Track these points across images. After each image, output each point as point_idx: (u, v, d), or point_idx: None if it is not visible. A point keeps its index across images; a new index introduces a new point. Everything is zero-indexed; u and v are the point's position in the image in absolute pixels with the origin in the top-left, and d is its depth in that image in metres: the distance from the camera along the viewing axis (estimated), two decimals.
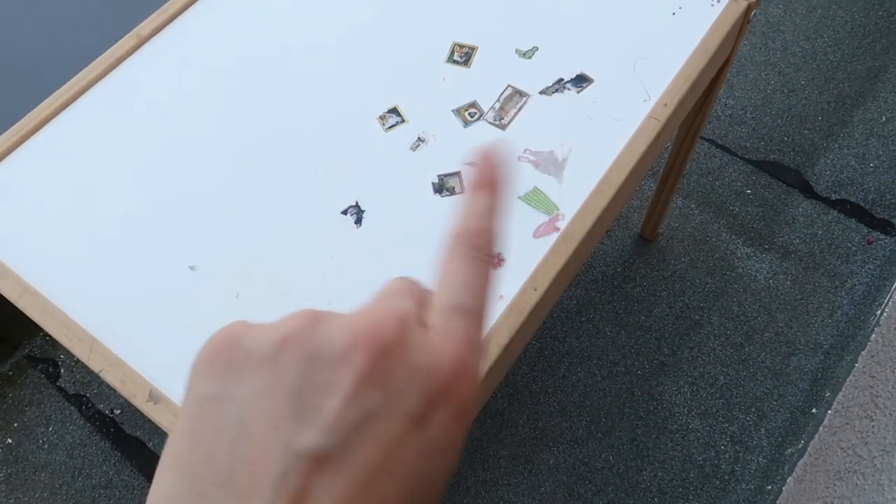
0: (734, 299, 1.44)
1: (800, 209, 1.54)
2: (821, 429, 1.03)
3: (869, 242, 1.47)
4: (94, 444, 1.34)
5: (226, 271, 0.78)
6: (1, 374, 1.41)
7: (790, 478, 1.03)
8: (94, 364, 0.73)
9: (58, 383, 1.40)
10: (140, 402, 0.70)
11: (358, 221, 0.81)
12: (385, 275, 0.76)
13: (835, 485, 0.82)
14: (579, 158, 0.83)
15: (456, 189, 0.82)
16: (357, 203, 0.82)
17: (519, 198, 0.81)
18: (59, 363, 1.43)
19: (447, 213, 0.81)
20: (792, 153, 1.61)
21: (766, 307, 1.42)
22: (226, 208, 0.82)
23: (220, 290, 0.77)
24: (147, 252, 0.80)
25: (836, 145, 1.61)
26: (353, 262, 0.78)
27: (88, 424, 1.36)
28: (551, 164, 0.83)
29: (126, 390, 0.71)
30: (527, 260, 0.77)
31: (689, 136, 1.24)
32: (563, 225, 0.78)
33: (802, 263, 1.47)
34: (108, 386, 1.40)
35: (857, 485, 0.75)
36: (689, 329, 1.41)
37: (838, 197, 1.54)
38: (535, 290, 0.74)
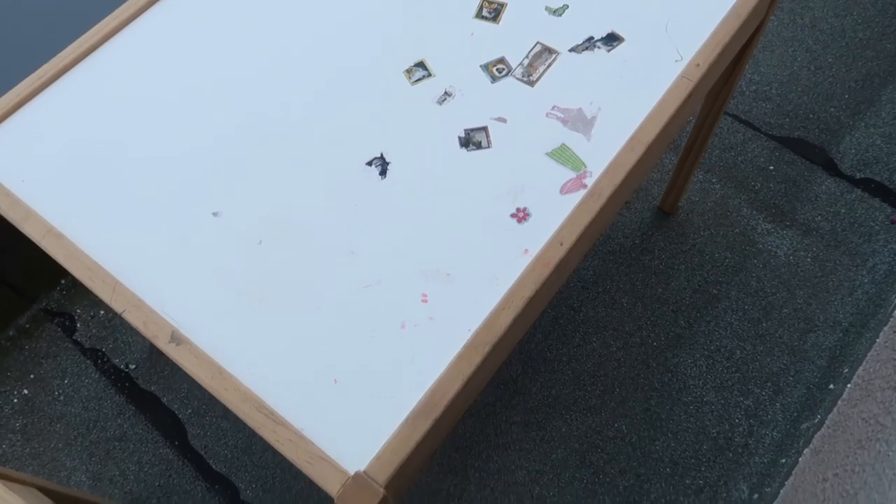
0: (753, 275, 1.42)
1: (823, 187, 1.52)
2: (840, 402, 1.03)
3: (892, 222, 1.45)
4: (109, 398, 1.34)
5: (249, 219, 0.78)
6: (18, 327, 1.42)
7: (807, 449, 1.02)
8: (116, 304, 0.73)
9: (74, 337, 1.41)
10: (162, 343, 0.70)
11: (383, 173, 0.80)
12: (408, 227, 0.75)
13: (855, 453, 0.82)
14: (608, 116, 0.82)
15: (482, 143, 0.81)
16: (382, 155, 0.81)
17: (546, 154, 0.80)
18: (76, 317, 1.43)
19: (473, 167, 0.80)
20: (817, 130, 1.59)
21: (786, 284, 1.41)
22: (251, 156, 0.82)
23: (243, 237, 0.77)
24: (171, 198, 0.80)
25: (863, 124, 1.58)
26: (376, 213, 0.77)
27: (104, 378, 1.37)
28: (580, 122, 0.82)
29: (148, 331, 0.71)
30: (553, 215, 0.76)
31: (713, 110, 1.22)
32: (590, 182, 0.77)
33: (824, 241, 1.45)
34: (123, 341, 1.41)
35: (879, 451, 0.75)
36: (707, 303, 1.40)
37: (862, 176, 1.52)
38: (562, 244, 0.73)
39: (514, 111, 0.83)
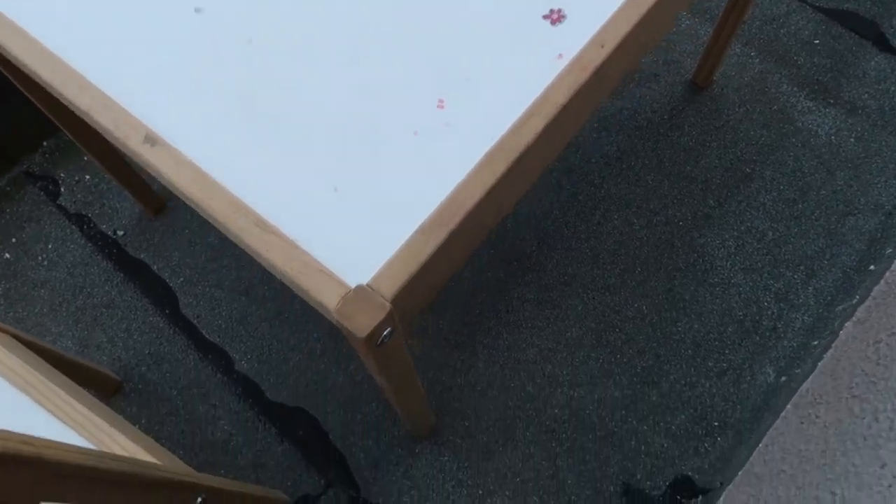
0: (791, 154, 1.31)
1: (872, 63, 1.38)
2: (888, 274, 0.93)
3: None
4: (96, 265, 1.26)
5: (237, 14, 0.67)
6: None
7: (848, 323, 0.94)
8: (81, 102, 0.63)
9: (58, 202, 1.32)
10: (134, 145, 0.60)
11: None
12: (421, 25, 0.63)
13: None
14: None
15: None
16: None
17: None
18: (60, 182, 1.34)
19: None
20: (868, 3, 1.44)
21: (825, 164, 1.30)
22: None
23: (230, 36, 0.66)
24: None
25: None
26: (384, 8, 0.66)
27: (90, 244, 1.28)
28: None
29: (119, 132, 0.61)
30: (593, 17, 0.64)
31: None
32: None
33: (870, 121, 1.33)
34: (111, 207, 1.31)
35: None
36: (739, 182, 1.29)
37: None
38: (602, 47, 0.62)
39: None
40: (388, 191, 0.58)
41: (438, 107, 0.62)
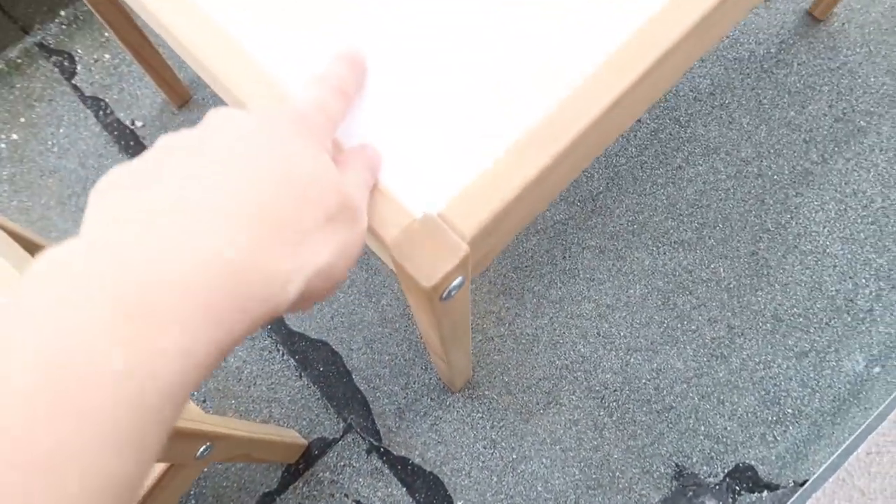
0: None
1: None
2: None
3: None
4: (112, 157, 1.13)
5: None
6: (8, 61, 1.18)
7: None
8: None
9: (73, 81, 1.18)
10: None
11: None
12: None
13: None
14: None
15: None
16: None
17: None
18: (76, 58, 1.19)
19: None
20: None
21: None
22: None
23: None
24: None
25: None
26: None
27: (105, 133, 1.14)
28: None
29: None
30: None
31: None
32: None
33: None
34: (130, 93, 1.17)
35: None
36: (850, 136, 1.11)
37: None
38: None
39: None
40: (477, 85, 0.43)
41: None
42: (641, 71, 0.42)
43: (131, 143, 1.13)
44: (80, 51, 1.20)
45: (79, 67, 1.18)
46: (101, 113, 1.15)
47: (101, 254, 0.23)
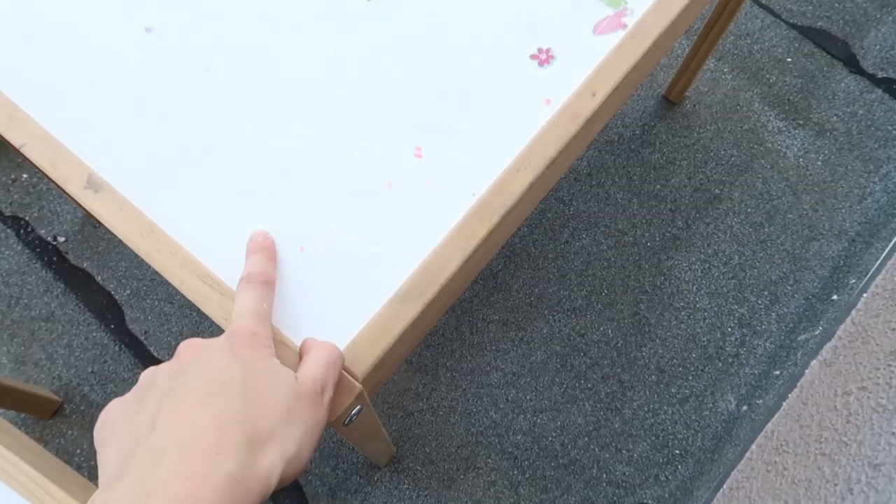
0: (759, 175, 1.30)
1: (842, 84, 1.38)
2: (854, 312, 0.93)
3: None
4: (34, 273, 1.18)
5: (193, 37, 0.60)
6: None
7: (814, 361, 0.93)
8: (12, 136, 0.56)
9: None
10: (75, 189, 0.54)
11: None
12: (399, 63, 0.58)
13: (889, 365, 0.72)
14: None
15: None
16: None
17: None
18: None
19: None
20: (841, 22, 1.43)
21: (793, 187, 1.30)
22: None
23: (185, 63, 0.59)
24: (89, 7, 0.61)
25: (890, 18, 1.43)
26: (358, 42, 0.60)
27: (27, 251, 1.19)
28: None
29: (57, 172, 0.55)
30: (584, 60, 0.60)
31: None
32: (631, 21, 0.61)
33: (837, 144, 1.33)
34: (51, 210, 1.22)
35: None
36: (708, 203, 1.28)
37: (885, 75, 1.39)
38: (594, 95, 0.58)
39: None
40: (360, 253, 0.53)
41: (416, 155, 0.57)
42: (486, 231, 0.53)
43: (54, 259, 1.19)
44: None
45: None
46: (22, 232, 1.20)
47: (132, 493, 0.32)
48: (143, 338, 1.14)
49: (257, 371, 0.40)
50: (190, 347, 0.41)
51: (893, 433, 0.64)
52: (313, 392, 0.42)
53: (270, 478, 0.36)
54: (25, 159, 1.17)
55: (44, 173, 0.57)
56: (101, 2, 0.61)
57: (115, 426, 0.36)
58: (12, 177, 1.24)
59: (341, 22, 0.61)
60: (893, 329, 0.80)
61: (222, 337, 0.42)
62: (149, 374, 0.40)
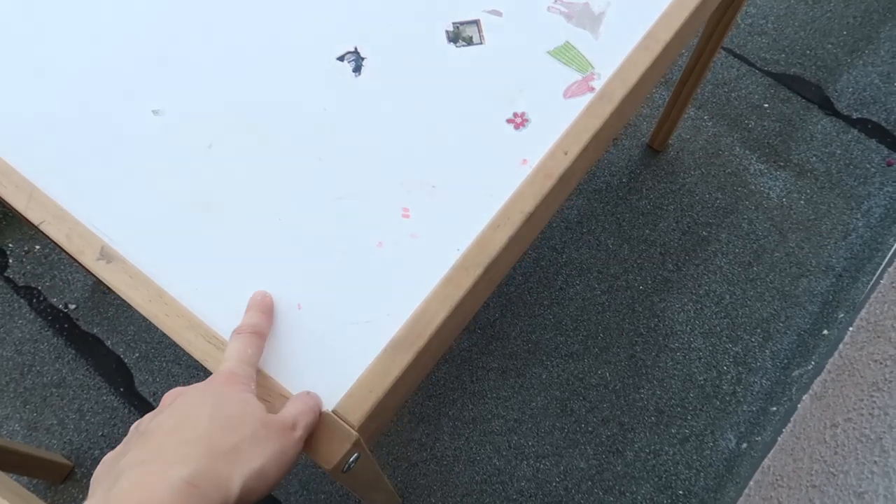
0: (744, 217, 1.35)
1: (818, 126, 1.44)
2: (841, 346, 0.96)
3: (889, 164, 1.39)
4: (46, 341, 1.22)
5: (197, 117, 0.66)
6: None
7: (805, 396, 0.96)
8: (33, 215, 0.61)
9: (5, 273, 1.27)
10: (89, 261, 0.58)
11: (357, 70, 0.68)
12: (386, 131, 0.63)
13: (871, 396, 0.75)
14: (619, 12, 0.71)
15: (474, 39, 0.70)
16: (356, 49, 0.69)
17: (548, 53, 0.69)
18: (8, 252, 1.29)
19: (462, 65, 0.68)
20: (813, 68, 1.50)
21: (778, 226, 1.34)
22: (200, 42, 0.69)
23: (190, 139, 0.65)
24: (101, 91, 0.67)
25: (861, 62, 1.50)
26: (348, 115, 0.66)
27: (40, 319, 1.23)
28: (586, 18, 0.71)
29: (72, 246, 0.59)
30: (556, 122, 0.65)
31: (711, 42, 1.12)
32: (598, 84, 0.67)
33: (818, 183, 1.38)
34: (62, 279, 1.27)
35: None
36: (696, 245, 1.32)
37: (859, 116, 1.44)
38: (566, 153, 0.63)
39: (510, 3, 0.72)
40: (353, 308, 0.57)
41: (403, 216, 0.61)
42: (470, 283, 0.57)
43: (65, 326, 1.23)
44: (10, 245, 1.30)
45: (10, 260, 1.28)
46: (34, 301, 1.25)
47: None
48: (152, 399, 1.17)
49: (228, 400, 0.44)
50: (171, 393, 0.46)
51: (876, 462, 0.66)
52: (282, 424, 0.46)
53: (231, 486, 0.39)
54: (40, 233, 1.22)
55: (59, 246, 0.61)
56: (113, 89, 0.67)
57: (102, 473, 0.40)
58: (25, 248, 1.30)
59: (332, 95, 0.66)
60: (877, 361, 0.83)
61: (207, 381, 0.46)
62: (136, 422, 0.44)
